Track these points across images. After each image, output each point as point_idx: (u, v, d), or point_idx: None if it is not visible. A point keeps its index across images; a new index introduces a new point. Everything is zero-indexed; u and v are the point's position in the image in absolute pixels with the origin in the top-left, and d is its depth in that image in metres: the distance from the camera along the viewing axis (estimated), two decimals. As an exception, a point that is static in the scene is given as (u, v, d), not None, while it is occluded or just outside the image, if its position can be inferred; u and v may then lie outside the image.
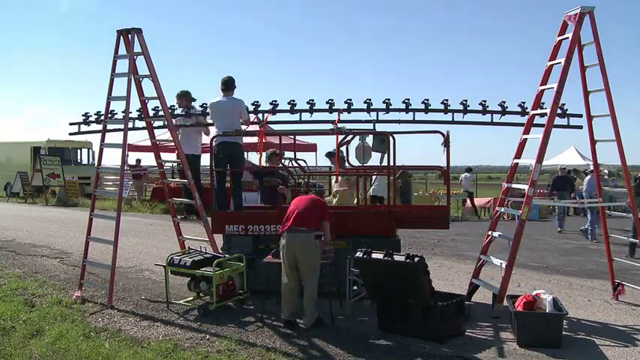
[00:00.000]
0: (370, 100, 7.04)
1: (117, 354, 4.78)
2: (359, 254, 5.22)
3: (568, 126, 6.68)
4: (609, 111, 5.85)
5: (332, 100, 7.12)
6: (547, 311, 4.85)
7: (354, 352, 4.71)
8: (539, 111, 6.06)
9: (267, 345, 4.91)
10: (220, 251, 6.52)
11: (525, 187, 5.71)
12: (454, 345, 4.84)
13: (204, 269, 5.79)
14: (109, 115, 6.93)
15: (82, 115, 8.41)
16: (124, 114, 6.52)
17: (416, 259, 4.89)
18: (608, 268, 6.53)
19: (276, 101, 7.42)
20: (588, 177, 17.89)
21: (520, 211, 5.60)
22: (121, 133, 6.52)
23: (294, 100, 7.29)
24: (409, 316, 5.06)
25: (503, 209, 6.24)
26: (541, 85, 6.05)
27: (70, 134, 8.80)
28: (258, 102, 7.50)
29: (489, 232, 6.20)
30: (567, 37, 5.72)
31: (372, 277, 5.28)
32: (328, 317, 5.44)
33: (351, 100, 7.11)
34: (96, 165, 7.43)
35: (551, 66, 5.98)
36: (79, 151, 23.44)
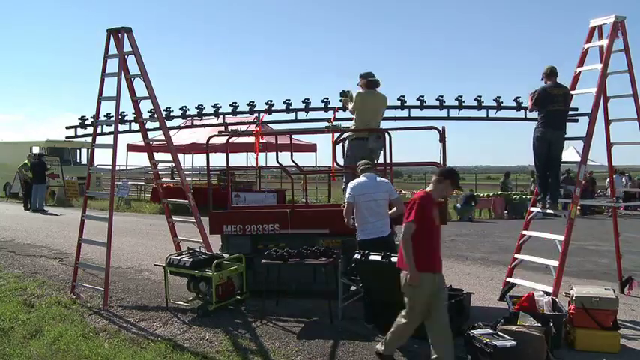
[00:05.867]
0: None
1: (116, 354, 4.78)
2: (357, 256, 5.21)
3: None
4: (637, 115, 6.22)
5: (327, 98, 7.11)
6: (545, 312, 4.85)
7: (354, 352, 4.71)
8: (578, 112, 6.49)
9: (266, 345, 4.92)
10: (214, 252, 6.49)
11: (571, 187, 6.05)
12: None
13: (203, 269, 5.78)
14: (106, 117, 6.91)
15: (79, 119, 8.40)
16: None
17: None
18: (617, 265, 6.80)
19: (271, 101, 7.44)
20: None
21: (567, 211, 5.99)
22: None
23: (289, 100, 7.29)
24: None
25: (535, 209, 6.46)
26: (571, 90, 6.28)
27: (67, 138, 8.76)
28: (253, 102, 7.51)
29: (523, 232, 6.37)
30: (600, 45, 6.04)
31: (369, 279, 5.27)
32: (328, 317, 5.44)
33: None
34: (88, 166, 7.36)
35: (579, 72, 6.29)
36: (78, 151, 23.41)
